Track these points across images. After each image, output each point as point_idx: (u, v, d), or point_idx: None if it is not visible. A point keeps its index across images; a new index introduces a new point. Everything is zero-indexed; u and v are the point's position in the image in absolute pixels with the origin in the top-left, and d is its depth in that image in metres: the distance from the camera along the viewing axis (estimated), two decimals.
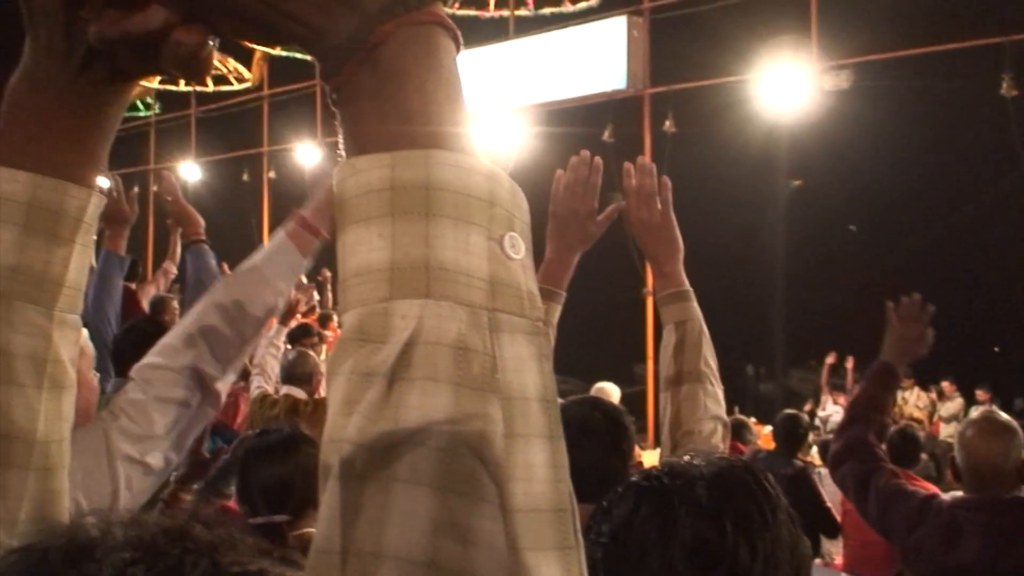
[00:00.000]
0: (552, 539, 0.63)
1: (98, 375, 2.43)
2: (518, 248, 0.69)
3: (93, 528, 0.65)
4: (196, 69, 0.75)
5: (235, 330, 2.19)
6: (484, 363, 0.64)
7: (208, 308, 2.22)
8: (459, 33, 0.73)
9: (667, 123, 14.63)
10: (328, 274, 8.94)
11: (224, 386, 2.24)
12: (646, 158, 2.85)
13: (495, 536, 0.61)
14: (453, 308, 0.65)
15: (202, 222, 4.31)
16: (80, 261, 0.89)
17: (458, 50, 0.73)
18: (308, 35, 0.71)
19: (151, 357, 2.23)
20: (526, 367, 0.66)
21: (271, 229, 21.25)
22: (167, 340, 2.25)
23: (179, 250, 7.61)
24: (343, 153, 0.73)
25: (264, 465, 3.11)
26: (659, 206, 2.72)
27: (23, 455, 0.84)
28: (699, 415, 2.61)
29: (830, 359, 16.95)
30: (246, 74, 20.03)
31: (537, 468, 0.64)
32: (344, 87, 0.72)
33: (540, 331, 0.68)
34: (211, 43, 0.75)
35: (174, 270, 7.99)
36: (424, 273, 0.65)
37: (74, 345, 0.90)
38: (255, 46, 0.79)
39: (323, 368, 5.20)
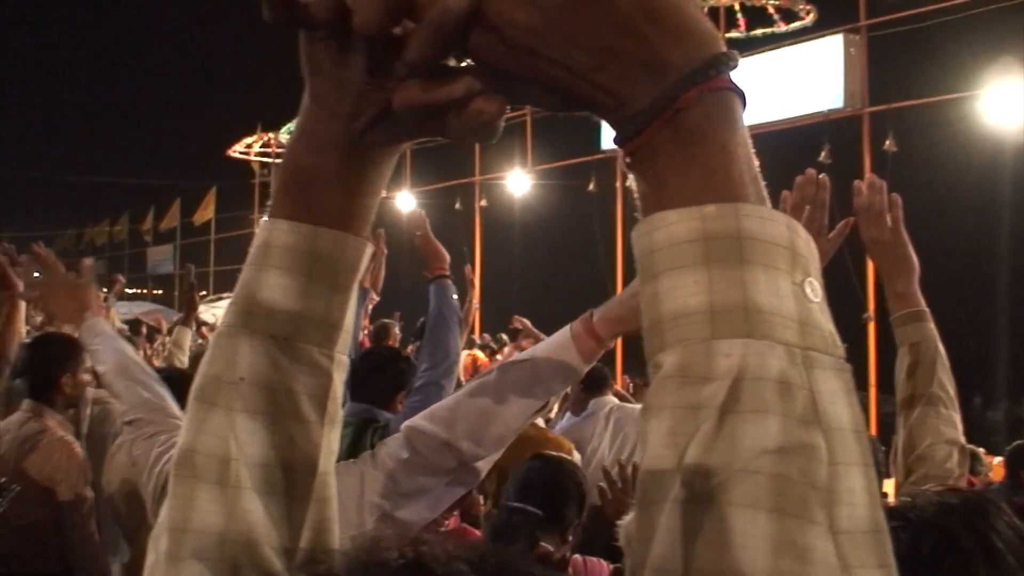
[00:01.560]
0: (876, 558, 0.67)
1: None
2: (816, 292, 0.73)
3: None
4: (488, 134, 0.78)
5: (499, 418, 2.24)
6: (805, 397, 0.68)
7: (478, 390, 2.28)
8: (746, 96, 0.77)
9: (887, 142, 14.24)
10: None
11: (484, 464, 2.30)
12: (869, 177, 2.79)
13: (828, 555, 0.65)
14: (772, 346, 0.69)
15: (447, 257, 4.38)
16: (353, 306, 0.95)
17: (744, 110, 0.77)
18: (612, 103, 0.74)
19: (422, 420, 2.32)
20: (838, 400, 0.70)
21: (483, 257, 21.61)
22: (439, 409, 2.33)
23: (382, 279, 7.76)
24: (639, 211, 0.76)
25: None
26: (889, 224, 2.67)
27: (305, 487, 0.90)
28: (931, 439, 2.56)
29: None
30: None
31: (857, 493, 0.68)
32: (641, 149, 0.74)
33: (845, 367, 0.72)
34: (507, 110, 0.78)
35: (375, 297, 8.15)
36: (743, 315, 0.70)
37: (344, 384, 0.96)
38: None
39: None
